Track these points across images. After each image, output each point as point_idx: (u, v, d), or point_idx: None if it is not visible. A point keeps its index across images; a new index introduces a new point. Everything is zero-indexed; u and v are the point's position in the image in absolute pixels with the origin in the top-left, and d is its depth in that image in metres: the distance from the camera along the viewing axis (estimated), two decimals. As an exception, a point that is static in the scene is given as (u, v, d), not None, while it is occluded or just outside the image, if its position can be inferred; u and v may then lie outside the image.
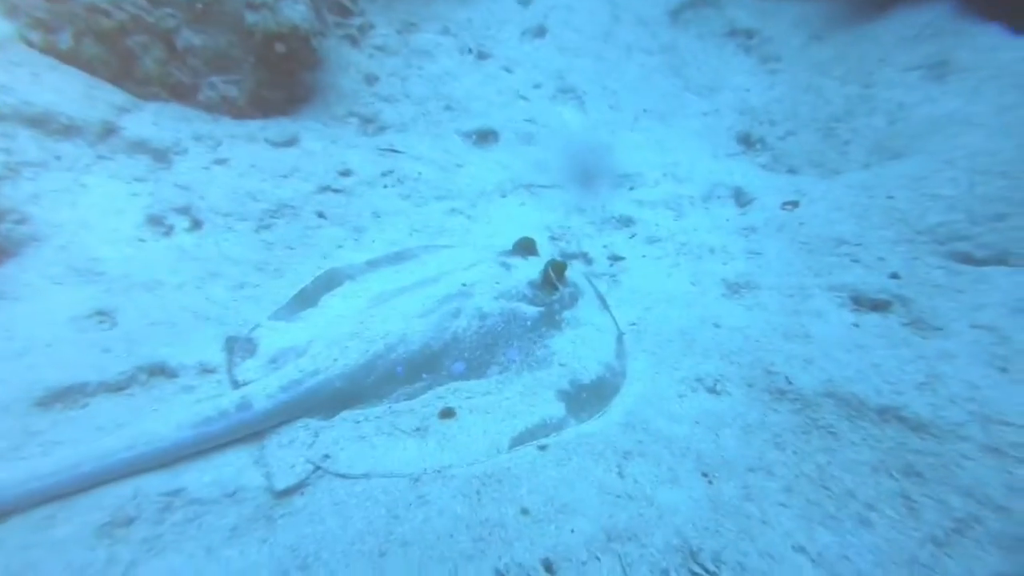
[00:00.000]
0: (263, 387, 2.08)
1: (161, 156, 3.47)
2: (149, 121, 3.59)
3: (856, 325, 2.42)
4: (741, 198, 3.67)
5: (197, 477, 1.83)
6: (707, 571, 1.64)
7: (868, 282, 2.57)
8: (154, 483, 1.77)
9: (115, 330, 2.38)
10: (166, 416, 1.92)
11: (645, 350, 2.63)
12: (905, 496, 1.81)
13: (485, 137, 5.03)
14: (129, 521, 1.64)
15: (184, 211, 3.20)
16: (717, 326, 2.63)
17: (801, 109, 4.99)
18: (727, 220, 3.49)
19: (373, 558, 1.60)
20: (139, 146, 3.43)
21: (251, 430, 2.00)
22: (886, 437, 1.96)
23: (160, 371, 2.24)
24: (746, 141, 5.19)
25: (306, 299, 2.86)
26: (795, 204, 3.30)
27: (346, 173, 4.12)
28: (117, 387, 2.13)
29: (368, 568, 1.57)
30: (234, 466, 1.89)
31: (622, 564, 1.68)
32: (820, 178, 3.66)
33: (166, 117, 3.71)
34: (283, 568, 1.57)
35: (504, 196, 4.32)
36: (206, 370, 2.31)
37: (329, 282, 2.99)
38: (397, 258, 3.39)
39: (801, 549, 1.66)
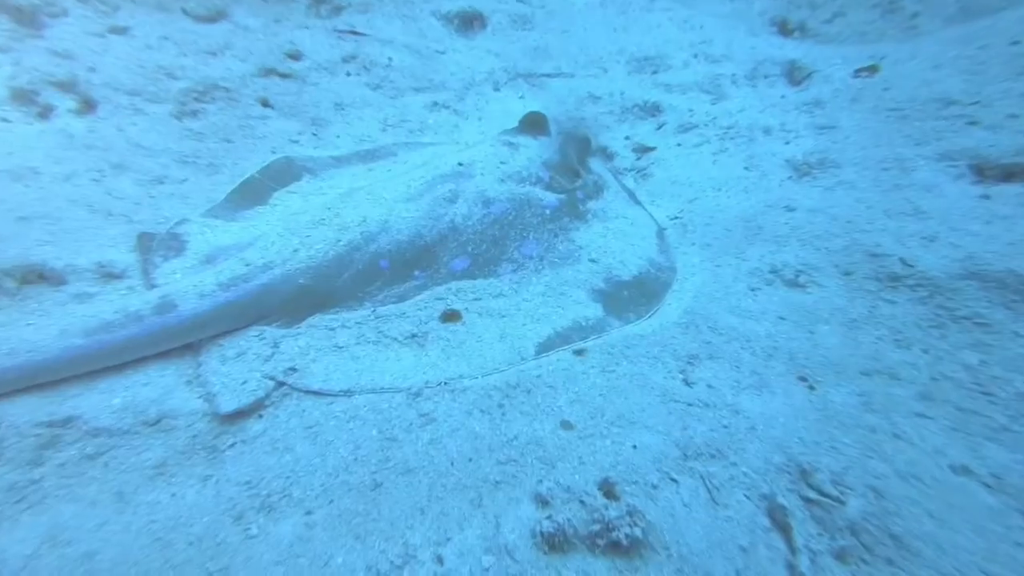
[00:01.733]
0: (193, 284, 1.62)
1: (27, 17, 2.79)
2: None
3: (986, 197, 2.03)
4: (797, 73, 3.24)
5: (100, 401, 1.39)
6: (827, 496, 1.30)
7: (997, 145, 2.16)
8: (27, 410, 1.33)
9: (-32, 223, 1.85)
10: (46, 325, 1.45)
11: (696, 243, 2.25)
12: (1123, 396, 1.45)
13: (469, 21, 4.42)
14: (-17, 459, 1.20)
15: (68, 87, 2.58)
16: (790, 210, 2.26)
17: (851, -16, 4.50)
18: (782, 97, 3.07)
19: (364, 492, 1.20)
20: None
21: (178, 340, 1.56)
22: (1075, 323, 1.61)
23: (38, 276, 1.74)
24: (782, 28, 4.70)
25: (252, 193, 2.36)
26: (873, 69, 2.88)
27: (296, 56, 3.52)
28: (-27, 294, 1.63)
29: (359, 503, 1.17)
30: (156, 386, 1.45)
31: (707, 487, 1.33)
32: (899, 42, 3.22)
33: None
34: (237, 510, 1.17)
35: (498, 89, 3.78)
36: (110, 274, 1.82)
37: (282, 174, 2.49)
38: (370, 155, 2.89)
39: (964, 470, 1.33)
